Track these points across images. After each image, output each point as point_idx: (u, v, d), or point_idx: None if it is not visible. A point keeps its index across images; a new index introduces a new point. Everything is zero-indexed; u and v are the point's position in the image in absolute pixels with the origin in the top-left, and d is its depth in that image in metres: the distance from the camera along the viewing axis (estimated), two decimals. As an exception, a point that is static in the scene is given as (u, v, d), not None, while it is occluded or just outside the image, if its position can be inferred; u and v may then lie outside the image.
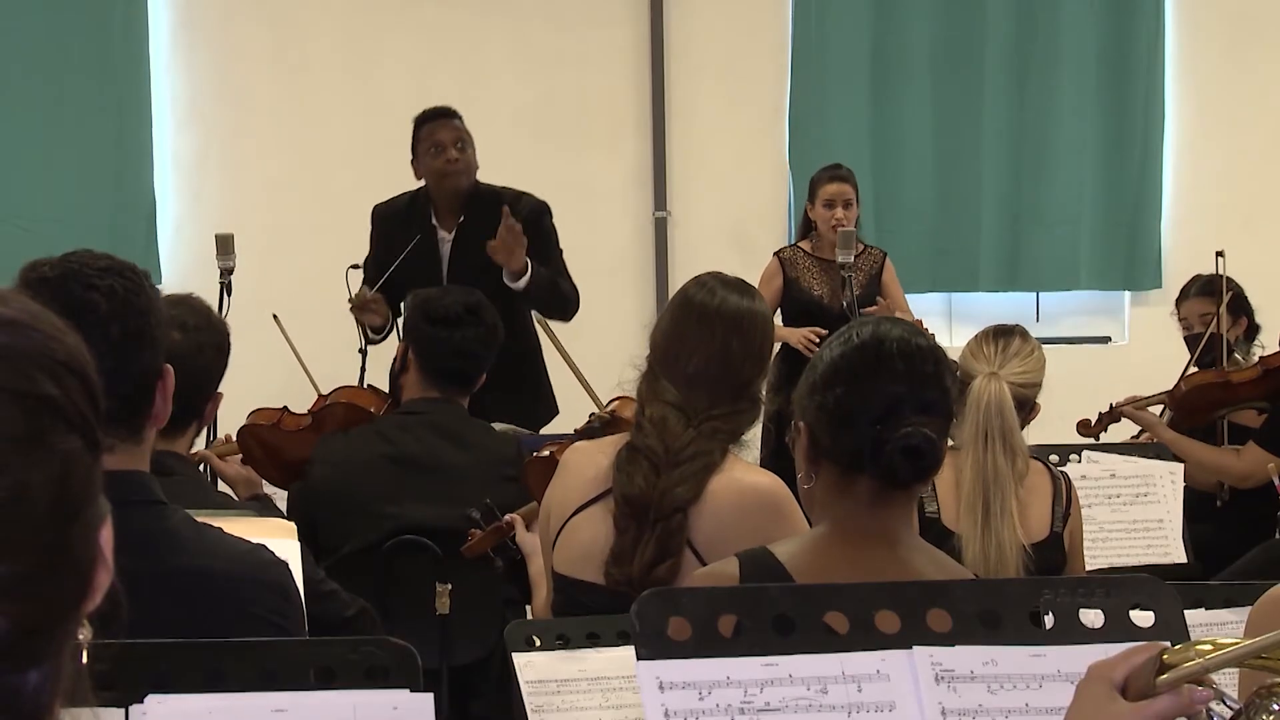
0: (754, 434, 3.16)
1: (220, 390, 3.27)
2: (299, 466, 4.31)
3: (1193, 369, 5.55)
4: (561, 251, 5.63)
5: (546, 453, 3.73)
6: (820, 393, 2.32)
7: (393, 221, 5.59)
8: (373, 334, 5.52)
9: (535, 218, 5.54)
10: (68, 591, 0.99)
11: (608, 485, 3.10)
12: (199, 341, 3.13)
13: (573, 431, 4.21)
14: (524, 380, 5.35)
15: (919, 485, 2.34)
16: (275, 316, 5.38)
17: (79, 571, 0.99)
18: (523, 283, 5.33)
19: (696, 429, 3.06)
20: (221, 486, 4.18)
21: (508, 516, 3.65)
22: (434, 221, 5.55)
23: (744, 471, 3.10)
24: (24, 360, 0.98)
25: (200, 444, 4.60)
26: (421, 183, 5.65)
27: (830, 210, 6.40)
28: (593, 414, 4.33)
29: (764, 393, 3.17)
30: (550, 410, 5.54)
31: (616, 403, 4.17)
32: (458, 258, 5.49)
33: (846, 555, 2.29)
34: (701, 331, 3.11)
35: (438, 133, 5.53)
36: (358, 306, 5.41)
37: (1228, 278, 5.66)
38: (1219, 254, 5.58)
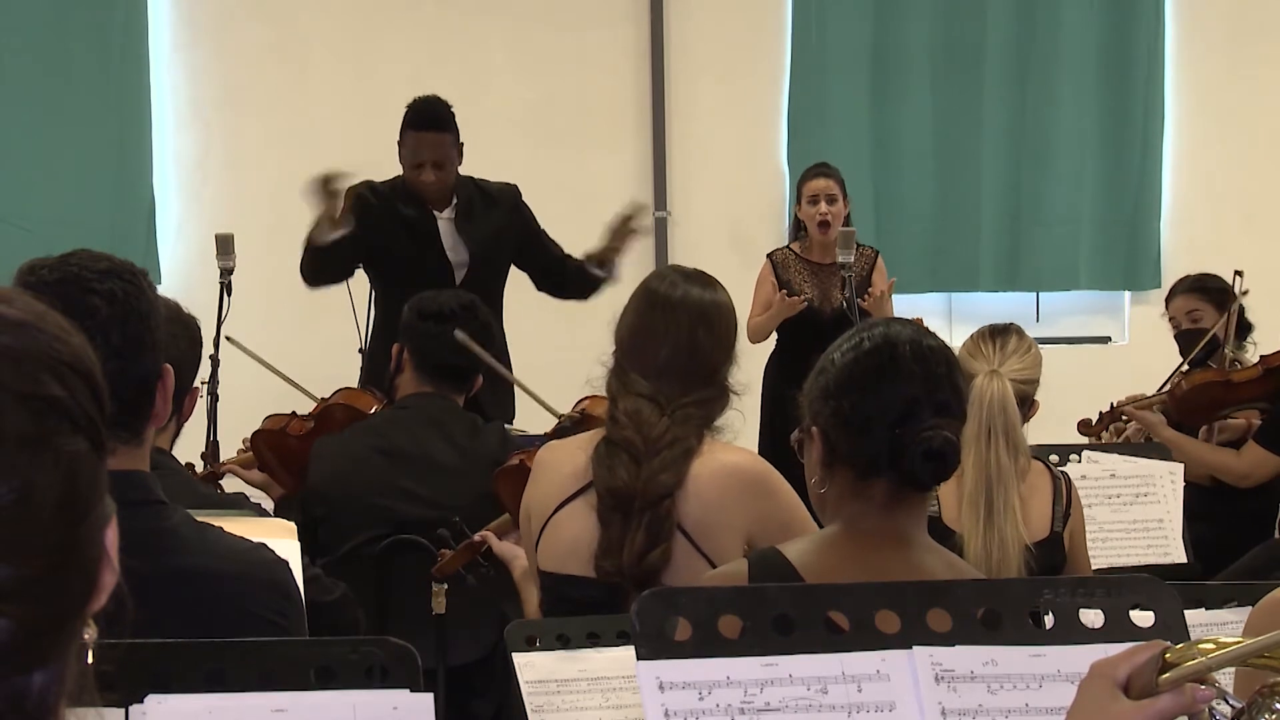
0: (726, 420, 3.18)
1: (200, 385, 3.26)
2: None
3: (1186, 367, 5.55)
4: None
5: (516, 461, 3.71)
6: (835, 398, 2.32)
7: (378, 200, 5.51)
8: (314, 235, 5.30)
9: (516, 201, 5.66)
10: (74, 593, 0.99)
11: (587, 480, 3.12)
12: (172, 334, 3.11)
13: (543, 435, 4.22)
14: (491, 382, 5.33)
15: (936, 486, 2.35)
16: (229, 338, 5.23)
17: (85, 573, 0.99)
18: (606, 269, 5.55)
19: (671, 417, 3.09)
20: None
21: (478, 534, 3.64)
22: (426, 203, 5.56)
23: (723, 452, 3.14)
24: (30, 361, 0.98)
25: (189, 450, 4.62)
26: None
27: (815, 206, 6.40)
28: (562, 415, 4.33)
29: (733, 382, 3.20)
30: (509, 415, 5.50)
31: (586, 402, 4.18)
32: (464, 237, 5.49)
33: (858, 556, 2.29)
34: (668, 323, 3.15)
35: (421, 149, 5.43)
36: (323, 183, 5.28)
37: (1216, 275, 5.69)
38: (1238, 273, 5.53)
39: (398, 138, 5.54)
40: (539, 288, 5.77)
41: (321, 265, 5.46)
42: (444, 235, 5.50)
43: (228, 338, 5.24)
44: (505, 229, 5.57)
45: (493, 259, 5.52)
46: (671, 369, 3.12)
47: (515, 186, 5.71)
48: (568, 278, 5.67)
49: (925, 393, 2.29)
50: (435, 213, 5.52)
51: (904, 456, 2.27)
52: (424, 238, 5.45)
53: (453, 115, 5.49)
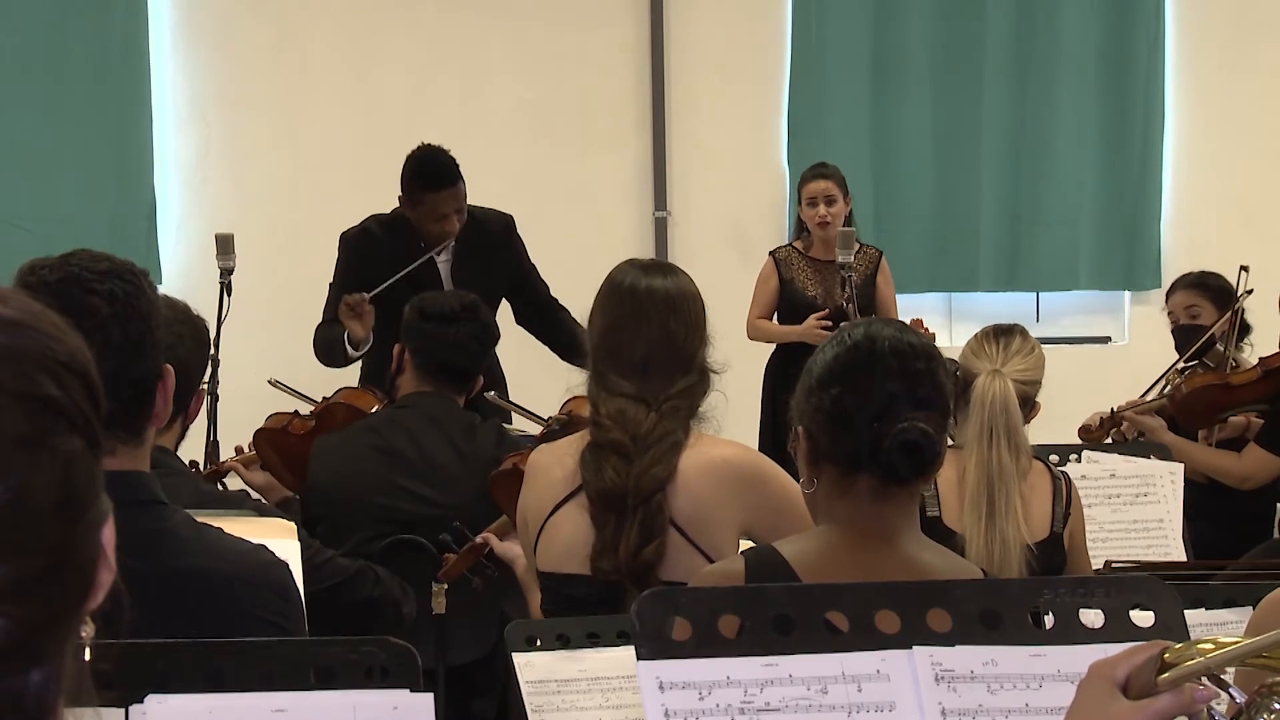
0: (710, 406, 3.18)
1: (202, 386, 3.26)
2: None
3: (1183, 364, 5.55)
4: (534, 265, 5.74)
5: (510, 465, 3.72)
6: (816, 394, 2.35)
7: (373, 247, 5.54)
8: (351, 347, 5.37)
9: (507, 233, 5.64)
10: (71, 591, 0.99)
11: (578, 482, 3.12)
12: (178, 334, 3.11)
13: (533, 438, 4.24)
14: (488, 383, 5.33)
15: (920, 482, 2.35)
16: (273, 382, 5.25)
17: (82, 571, 0.99)
18: None
19: (657, 411, 3.10)
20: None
21: (480, 536, 3.66)
22: (422, 245, 5.53)
23: (711, 445, 3.14)
24: (25, 361, 0.98)
25: (190, 450, 4.62)
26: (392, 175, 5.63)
27: (814, 208, 6.42)
28: (549, 418, 4.35)
29: (712, 362, 3.21)
30: (504, 415, 5.49)
31: (571, 403, 4.19)
32: (460, 278, 5.48)
33: (851, 554, 2.31)
34: (638, 320, 3.15)
35: (443, 204, 5.44)
36: (350, 307, 5.33)
37: (1218, 273, 5.69)
38: (1243, 269, 5.52)
39: (406, 194, 5.49)
40: (519, 322, 5.75)
41: (345, 362, 5.48)
42: (443, 279, 5.50)
43: (272, 382, 5.23)
44: (498, 269, 5.57)
45: (486, 299, 5.47)
46: (651, 365, 3.13)
47: (510, 217, 5.68)
48: (557, 328, 5.62)
49: (904, 388, 2.31)
50: (434, 256, 5.51)
51: (882, 450, 2.28)
52: (424, 283, 5.44)
53: (456, 162, 5.49)
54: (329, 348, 5.46)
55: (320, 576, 3.17)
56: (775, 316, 6.55)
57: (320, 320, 5.55)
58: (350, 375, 5.48)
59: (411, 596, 3.64)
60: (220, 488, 4.62)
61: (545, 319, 5.71)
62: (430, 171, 5.48)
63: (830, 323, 6.20)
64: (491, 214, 5.65)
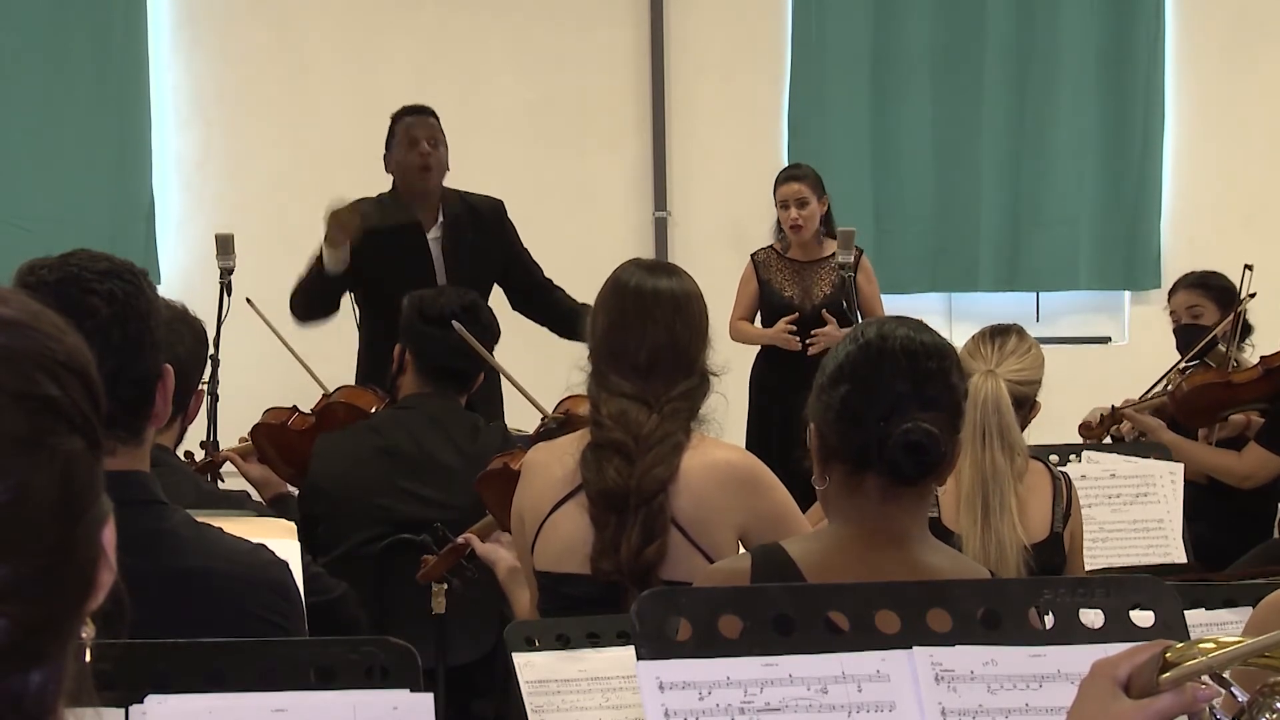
0: (709, 407, 3.18)
1: (202, 386, 3.27)
2: (308, 465, 4.34)
3: (1184, 364, 5.55)
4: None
5: (499, 465, 3.70)
6: (827, 392, 2.35)
7: (375, 211, 5.51)
8: (326, 262, 5.34)
9: (499, 217, 5.65)
10: (71, 592, 0.99)
11: (578, 482, 3.12)
12: (177, 333, 3.11)
13: (529, 436, 4.23)
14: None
15: (928, 482, 2.34)
16: (249, 300, 5.31)
17: (82, 571, 0.99)
18: None
19: (659, 413, 3.09)
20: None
21: (461, 537, 3.64)
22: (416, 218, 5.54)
23: (713, 447, 3.14)
24: (25, 361, 0.98)
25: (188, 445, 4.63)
26: (389, 184, 5.64)
27: (786, 211, 6.44)
28: (546, 417, 4.34)
29: (712, 364, 3.21)
30: (497, 413, 5.48)
31: (568, 402, 4.18)
32: (450, 259, 5.48)
33: (858, 553, 2.31)
34: (644, 322, 3.14)
35: (414, 129, 5.54)
36: (336, 216, 5.27)
37: (1221, 273, 5.69)
38: (1247, 267, 5.52)
39: (386, 143, 5.56)
40: (514, 307, 5.74)
41: (322, 294, 5.46)
42: (435, 257, 5.50)
43: (247, 300, 5.27)
44: (490, 251, 5.57)
45: (477, 282, 5.44)
46: (654, 367, 3.13)
47: (501, 202, 5.69)
48: (553, 306, 5.64)
49: (912, 388, 2.31)
50: (425, 234, 5.51)
51: (887, 449, 2.28)
52: (415, 257, 5.43)
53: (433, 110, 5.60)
54: (305, 290, 5.45)
55: (311, 590, 3.17)
56: (758, 318, 6.57)
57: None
58: (347, 374, 5.47)
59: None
60: (218, 482, 4.64)
61: (541, 299, 5.71)
62: (405, 107, 5.65)
63: (797, 327, 6.26)
64: (482, 198, 5.67)
